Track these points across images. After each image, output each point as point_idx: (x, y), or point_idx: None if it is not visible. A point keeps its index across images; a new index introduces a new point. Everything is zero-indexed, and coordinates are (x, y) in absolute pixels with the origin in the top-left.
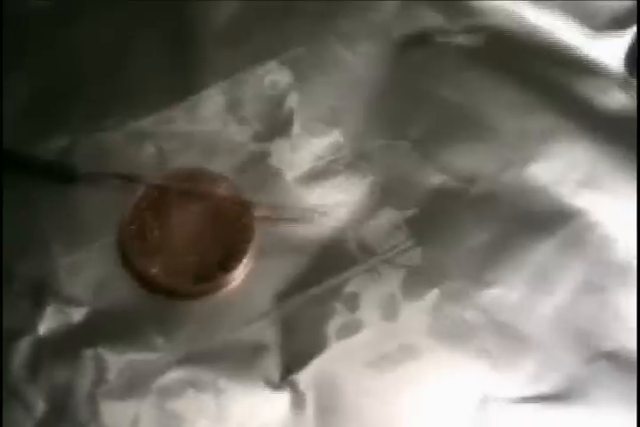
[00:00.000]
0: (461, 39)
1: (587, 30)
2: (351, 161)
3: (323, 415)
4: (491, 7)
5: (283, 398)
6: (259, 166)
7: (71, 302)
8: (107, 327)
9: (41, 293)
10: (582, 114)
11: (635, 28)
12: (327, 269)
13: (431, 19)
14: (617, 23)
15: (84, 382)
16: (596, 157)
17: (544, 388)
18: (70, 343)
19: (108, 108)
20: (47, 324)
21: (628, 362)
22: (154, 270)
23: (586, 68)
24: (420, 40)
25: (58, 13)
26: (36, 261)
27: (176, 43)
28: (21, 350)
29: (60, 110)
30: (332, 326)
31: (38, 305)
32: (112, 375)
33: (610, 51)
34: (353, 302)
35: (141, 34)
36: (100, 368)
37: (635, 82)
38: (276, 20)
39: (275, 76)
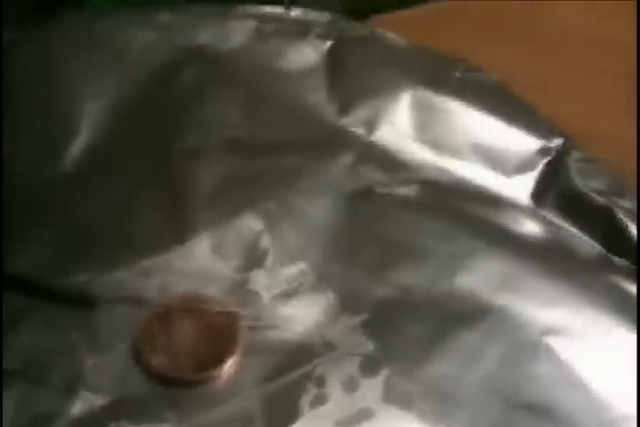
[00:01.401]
0: (398, 189)
1: (498, 174)
2: (314, 283)
3: None
4: (420, 163)
5: None
6: (241, 290)
7: (97, 391)
8: (126, 408)
9: (72, 385)
10: (498, 237)
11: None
12: (298, 361)
13: (374, 175)
14: (522, 166)
15: None
16: (510, 268)
17: None
18: (98, 421)
19: (116, 253)
20: (78, 408)
21: (542, 411)
22: (162, 366)
23: (500, 203)
24: (366, 192)
25: (70, 185)
26: (67, 363)
27: (170, 202)
28: None
29: (81, 255)
30: (305, 399)
31: (70, 394)
32: None
33: (519, 188)
34: (320, 382)
35: (142, 197)
36: None
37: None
38: (248, 182)
39: (250, 224)
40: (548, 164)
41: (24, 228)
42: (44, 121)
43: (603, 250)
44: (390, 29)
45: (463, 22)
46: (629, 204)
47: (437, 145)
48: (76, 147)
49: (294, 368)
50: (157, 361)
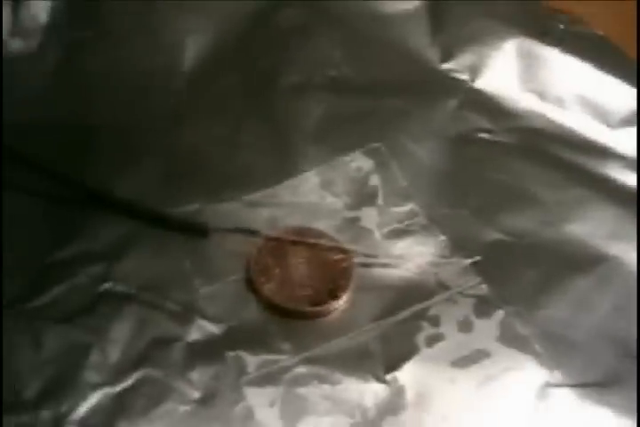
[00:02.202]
0: (503, 136)
1: (603, 126)
2: (425, 224)
3: (417, 400)
4: (524, 111)
5: (386, 389)
6: (352, 227)
7: (212, 319)
8: (242, 338)
9: (188, 312)
10: (604, 187)
11: None
12: (412, 299)
13: (478, 121)
14: (628, 120)
15: (229, 374)
16: (620, 219)
17: (589, 378)
18: (214, 348)
19: (225, 185)
20: (194, 335)
21: None
22: (277, 297)
23: (605, 154)
24: (471, 138)
25: (175, 116)
26: (183, 289)
27: (275, 137)
28: (174, 352)
29: (187, 186)
30: (421, 337)
31: (186, 321)
32: (251, 369)
33: (624, 141)
34: (435, 321)
35: (246, 131)
36: (241, 365)
37: None
38: (354, 121)
39: (359, 163)
40: None
41: (126, 155)
42: (148, 53)
43: None
44: None
45: None
46: None
47: (541, 94)
48: (181, 79)
49: (408, 306)
50: (272, 292)
